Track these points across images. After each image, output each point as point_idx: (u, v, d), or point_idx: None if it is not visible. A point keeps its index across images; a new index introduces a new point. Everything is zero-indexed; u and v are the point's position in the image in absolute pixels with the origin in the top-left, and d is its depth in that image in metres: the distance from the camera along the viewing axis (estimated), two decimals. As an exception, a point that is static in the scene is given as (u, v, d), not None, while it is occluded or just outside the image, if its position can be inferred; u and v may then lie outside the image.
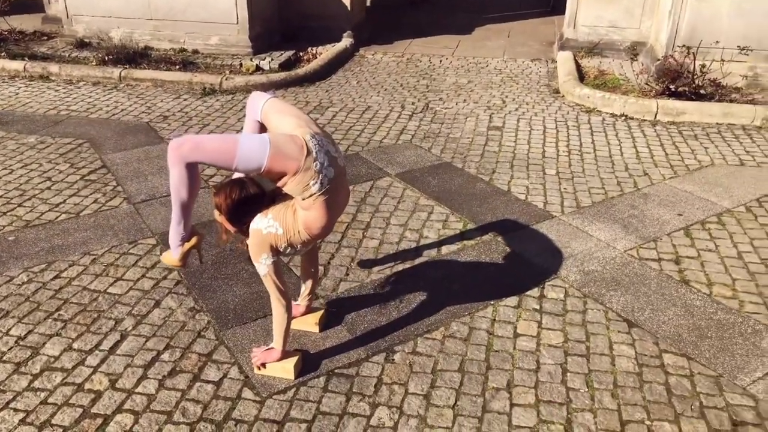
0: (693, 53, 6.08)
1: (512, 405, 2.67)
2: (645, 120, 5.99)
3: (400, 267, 3.64)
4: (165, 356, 2.95)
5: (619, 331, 3.11)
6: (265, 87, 6.85)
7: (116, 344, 3.02)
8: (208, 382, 2.80)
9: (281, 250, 2.59)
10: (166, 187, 4.57)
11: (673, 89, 6.21)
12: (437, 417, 2.61)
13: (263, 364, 2.81)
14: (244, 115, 5.87)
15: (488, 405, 2.67)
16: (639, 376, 2.83)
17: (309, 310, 3.12)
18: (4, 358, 2.92)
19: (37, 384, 2.77)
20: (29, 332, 3.09)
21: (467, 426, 2.56)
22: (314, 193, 2.46)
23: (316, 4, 8.57)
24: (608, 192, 4.56)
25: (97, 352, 2.97)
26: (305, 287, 3.07)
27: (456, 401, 2.69)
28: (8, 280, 3.50)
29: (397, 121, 5.96)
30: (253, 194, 2.63)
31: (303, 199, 2.49)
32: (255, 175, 2.52)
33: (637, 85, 6.69)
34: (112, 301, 3.33)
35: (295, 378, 2.81)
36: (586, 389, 2.75)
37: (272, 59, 7.60)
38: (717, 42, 6.34)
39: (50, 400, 2.68)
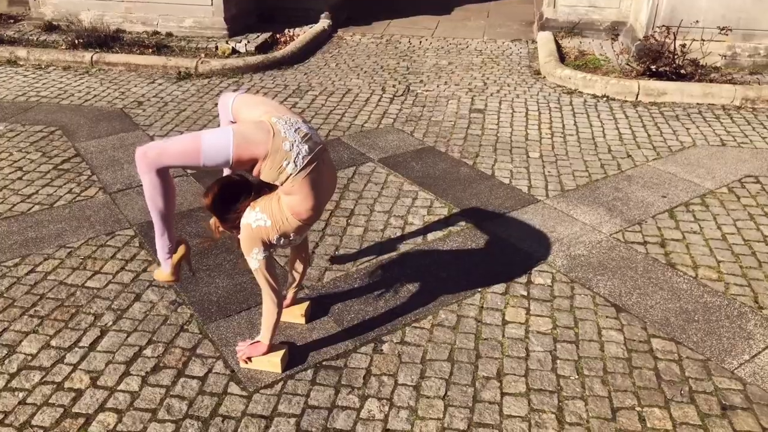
0: (674, 33, 6.06)
1: (503, 394, 2.65)
2: (626, 101, 5.98)
3: (386, 255, 3.58)
4: (147, 352, 2.87)
5: (607, 317, 3.10)
6: (241, 70, 6.71)
7: (96, 340, 2.93)
8: (192, 377, 2.73)
9: (274, 242, 2.51)
10: (143, 176, 4.46)
11: (654, 69, 6.20)
12: (428, 408, 2.58)
13: (249, 358, 2.74)
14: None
15: (479, 395, 2.64)
16: (628, 362, 2.82)
17: (294, 301, 3.06)
18: (-21, 357, 2.83)
19: (14, 384, 2.68)
20: (4, 330, 2.99)
21: (458, 416, 2.54)
22: (291, 174, 2.39)
23: (292, -16, 8.40)
24: (592, 175, 4.54)
25: (76, 349, 2.88)
26: (292, 278, 3.01)
27: (446, 392, 2.66)
28: (-19, 276, 3.39)
29: (378, 104, 5.87)
30: (236, 182, 2.57)
31: (282, 184, 2.43)
32: (230, 168, 2.46)
33: (618, 65, 6.67)
34: (90, 296, 3.24)
35: (282, 371, 2.75)
36: (577, 376, 2.74)
37: (248, 42, 7.44)
38: (696, 22, 6.34)
39: (29, 400, 2.60)
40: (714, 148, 4.98)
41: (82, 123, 5.38)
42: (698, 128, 5.35)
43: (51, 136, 5.11)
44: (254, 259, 2.52)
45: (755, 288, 3.32)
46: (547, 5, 8.07)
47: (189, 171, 4.48)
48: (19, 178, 4.43)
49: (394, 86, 6.36)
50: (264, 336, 2.69)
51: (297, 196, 2.44)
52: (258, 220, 2.48)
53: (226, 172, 2.76)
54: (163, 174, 2.43)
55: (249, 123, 2.47)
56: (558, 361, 2.83)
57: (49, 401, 2.59)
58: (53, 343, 2.92)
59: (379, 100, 5.96)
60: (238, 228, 2.57)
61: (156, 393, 2.64)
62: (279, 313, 2.64)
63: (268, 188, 2.56)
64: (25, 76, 6.57)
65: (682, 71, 6.24)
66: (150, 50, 7.13)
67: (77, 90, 6.18)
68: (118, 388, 2.67)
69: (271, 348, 2.74)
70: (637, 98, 5.98)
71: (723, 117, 5.60)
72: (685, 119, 5.55)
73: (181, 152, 2.37)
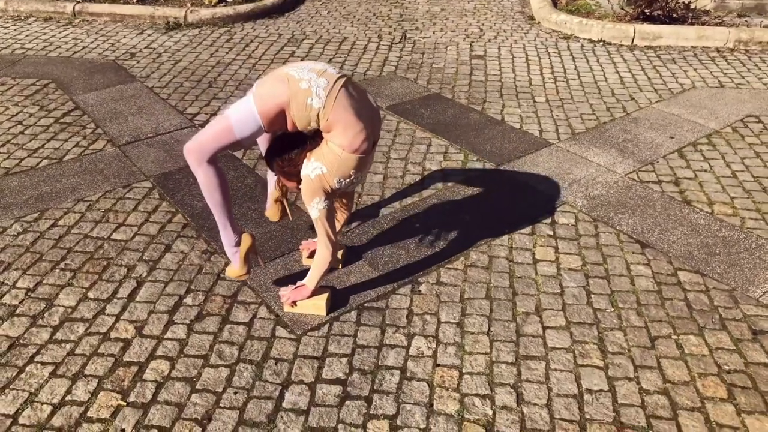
0: (669, -24, 6.08)
1: (544, 328, 2.73)
2: (623, 45, 6.02)
3: (408, 201, 3.61)
4: (188, 300, 2.88)
5: (633, 252, 3.19)
6: (232, 19, 6.54)
7: (134, 291, 2.93)
8: (238, 323, 2.75)
9: (336, 186, 2.52)
10: (149, 128, 4.38)
11: (648, 13, 6.23)
12: (474, 343, 2.65)
13: (294, 302, 2.77)
14: (216, 51, 5.63)
15: (521, 329, 2.73)
16: (659, 294, 2.93)
17: (331, 245, 3.08)
18: (18, 311, 2.80)
19: (59, 335, 2.67)
20: (38, 284, 2.96)
21: (504, 350, 2.62)
22: (318, 108, 2.40)
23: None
24: (599, 117, 4.60)
25: (115, 300, 2.87)
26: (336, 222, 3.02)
27: (489, 327, 2.73)
28: (1, 231, 3.32)
29: (377, 51, 5.80)
30: (289, 133, 2.57)
31: (318, 124, 2.44)
32: (265, 130, 2.46)
33: (611, 10, 6.67)
34: (119, 248, 3.21)
35: (327, 314, 2.79)
36: (612, 309, 2.84)
37: (234, -10, 7.22)
38: (690, -37, 6.35)
39: (77, 351, 2.60)
40: (713, 89, 5.07)
41: (75, 75, 5.22)
42: (695, 71, 5.43)
43: (45, 89, 4.95)
44: (315, 209, 2.53)
45: (769, 222, 3.45)
46: (535, -51, 7.97)
47: (197, 122, 4.41)
48: (21, 133, 4.31)
49: (390, 33, 6.28)
50: (311, 280, 2.71)
51: (338, 128, 2.43)
52: (315, 169, 2.48)
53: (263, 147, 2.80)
54: (215, 164, 2.51)
55: (260, 83, 2.49)
56: (592, 296, 2.92)
57: (98, 351, 2.60)
58: (90, 295, 2.90)
59: (378, 48, 5.89)
60: (299, 180, 2.57)
61: (204, 340, 2.67)
62: (332, 263, 2.67)
63: (320, 138, 2.55)
64: (5, 28, 6.31)
65: (674, 15, 6.29)
66: (134, 0, 6.89)
67: (63, 42, 5.96)
68: (165, 336, 2.68)
69: (315, 292, 2.77)
70: (632, 42, 6.02)
71: (718, 59, 5.68)
72: (681, 62, 5.62)
73: (216, 133, 2.44)
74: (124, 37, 6.12)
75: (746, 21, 6.51)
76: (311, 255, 3.08)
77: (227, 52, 5.78)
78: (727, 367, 2.54)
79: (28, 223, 3.39)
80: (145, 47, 5.87)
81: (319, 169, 2.47)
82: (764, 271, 3.06)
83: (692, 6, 6.28)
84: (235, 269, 2.78)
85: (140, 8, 6.58)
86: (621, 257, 3.16)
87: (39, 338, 2.66)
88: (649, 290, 2.95)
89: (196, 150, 2.46)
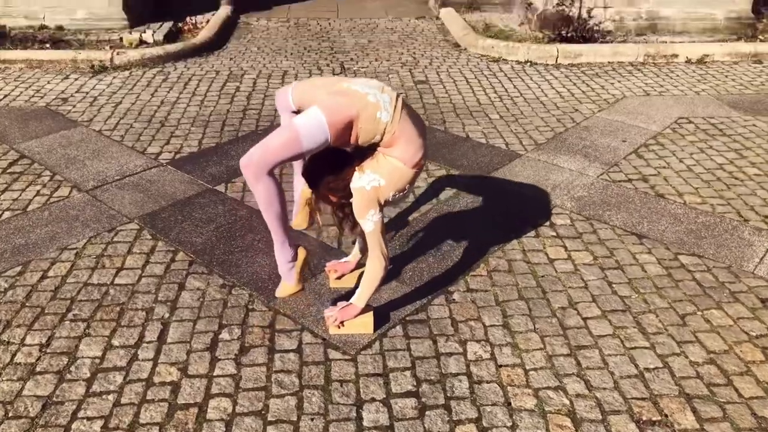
0: (579, 1, 6.63)
1: (584, 319, 2.85)
2: (548, 64, 6.45)
3: (410, 217, 3.65)
4: (224, 335, 2.74)
5: (633, 243, 3.41)
6: (162, 59, 6.35)
7: (162, 333, 2.74)
8: (287, 351, 2.65)
9: (390, 199, 2.52)
10: (113, 171, 4.14)
11: (564, 35, 6.73)
12: (526, 341, 2.72)
13: (342, 323, 2.72)
14: (156, 90, 5.44)
15: (563, 323, 2.83)
16: (671, 277, 3.14)
17: (358, 265, 3.05)
18: (38, 368, 2.54)
19: (97, 388, 2.45)
20: (50, 338, 2.70)
21: (557, 344, 2.70)
22: (387, 122, 2.45)
23: (187, -30, 8.03)
24: (554, 129, 4.89)
25: (144, 345, 2.68)
26: (362, 243, 2.99)
27: (534, 325, 2.82)
28: (-16, 289, 3.00)
29: (323, 82, 5.84)
30: (336, 150, 2.55)
31: (381, 137, 2.46)
32: (329, 143, 2.45)
33: (528, 34, 7.14)
34: (127, 292, 3.00)
35: (374, 331, 2.76)
36: (636, 295, 3.02)
37: (154, 32, 7.02)
38: (593, -11, 6.96)
39: (123, 400, 2.39)
40: (641, 98, 5.55)
41: (7, 125, 4.84)
42: (620, 82, 5.92)
43: (-21, 141, 4.55)
44: (370, 221, 2.50)
45: (734, 205, 3.80)
46: (445, -18, 8.40)
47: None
48: (-31, 187, 3.93)
49: (328, 65, 6.35)
50: (360, 299, 2.67)
51: (401, 144, 2.47)
52: (372, 181, 2.47)
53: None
54: (274, 177, 2.46)
55: (325, 97, 2.47)
56: (614, 285, 3.08)
57: (147, 398, 2.41)
58: (115, 342, 2.69)
59: (321, 79, 5.93)
60: (347, 196, 2.54)
61: (258, 372, 2.54)
62: (383, 277, 2.63)
63: (370, 151, 2.55)
64: None
65: (586, 35, 6.84)
66: (47, 45, 6.51)
67: (-19, 91, 5.51)
68: (215, 374, 2.53)
69: (362, 310, 2.73)
70: (557, 61, 6.47)
71: (634, 72, 6.23)
72: (605, 76, 6.11)
73: (283, 144, 2.40)
74: (48, 82, 5.75)
75: (644, 39, 7.19)
76: (340, 277, 3.04)
77: (168, 91, 5.59)
78: (753, 333, 2.77)
79: (13, 278, 3.09)
80: (76, 91, 5.55)
81: (376, 181, 2.47)
82: (748, 247, 3.38)
83: (597, 28, 6.86)
84: (290, 285, 2.72)
85: (60, 53, 6.23)
86: (624, 249, 3.37)
87: (74, 393, 2.42)
88: (660, 275, 3.16)
89: (259, 162, 2.38)
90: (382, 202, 2.53)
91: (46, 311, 2.87)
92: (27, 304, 2.91)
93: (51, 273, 3.13)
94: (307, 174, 2.59)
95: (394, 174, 2.49)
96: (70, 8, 7.13)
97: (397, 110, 2.46)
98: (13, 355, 2.60)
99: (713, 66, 6.43)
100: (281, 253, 2.65)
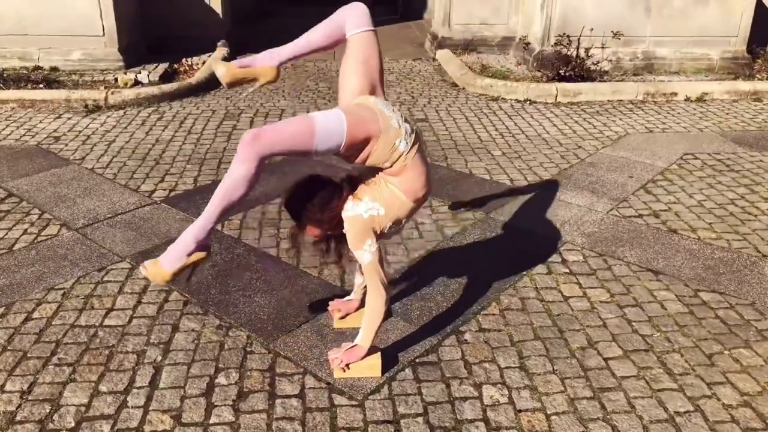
0: (578, 40, 6.63)
1: (605, 359, 2.68)
2: (548, 102, 6.40)
3: (415, 255, 3.49)
4: (221, 380, 2.54)
5: (649, 280, 3.26)
6: (157, 98, 6.27)
7: (154, 378, 2.54)
8: (288, 396, 2.46)
9: (386, 231, 2.37)
10: (105, 209, 3.98)
11: (562, 74, 6.71)
12: (545, 384, 2.53)
13: (347, 366, 2.53)
14: (150, 129, 5.31)
15: (584, 363, 2.65)
16: (693, 315, 2.98)
17: (364, 303, 2.88)
18: (18, 417, 2.33)
19: (81, 439, 2.24)
20: (32, 384, 2.50)
21: (578, 386, 2.52)
22: (403, 152, 2.31)
23: (183, 11, 8.03)
24: (558, 165, 4.78)
25: (134, 390, 2.47)
26: (362, 278, 2.82)
27: (553, 366, 2.63)
28: (-37, 332, 2.81)
29: (321, 121, 5.75)
30: (323, 177, 2.41)
31: (391, 165, 2.33)
32: (339, 154, 2.30)
33: (526, 74, 7.13)
34: (117, 334, 2.81)
35: (382, 374, 2.57)
36: (658, 333, 2.85)
37: (149, 72, 6.96)
38: (591, 30, 6.97)
39: (110, 453, 2.18)
40: (644, 134, 5.47)
41: (-3, 163, 4.70)
42: (621, 120, 5.86)
43: (-34, 179, 4.40)
44: (367, 252, 2.35)
45: (750, 241, 3.67)
46: (441, 25, 8.43)
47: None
48: (-47, 225, 3.76)
49: (326, 104, 6.28)
50: (365, 339, 2.49)
51: (410, 175, 2.34)
52: (370, 209, 2.33)
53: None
54: (263, 165, 2.21)
55: (351, 105, 2.35)
56: (633, 324, 2.92)
57: (136, 449, 2.20)
58: (103, 388, 2.48)
59: (319, 118, 5.84)
60: (336, 227, 2.39)
61: (258, 419, 2.34)
62: (384, 312, 2.47)
63: (366, 178, 2.42)
64: None
65: (584, 75, 6.82)
66: (40, 85, 6.42)
67: (-29, 130, 5.39)
68: (211, 422, 2.33)
69: (369, 351, 2.55)
70: (556, 99, 6.43)
71: (635, 110, 6.19)
72: (605, 113, 6.06)
73: (295, 134, 2.19)
74: (40, 122, 5.63)
75: (641, 78, 7.19)
76: (344, 317, 2.86)
77: (163, 130, 5.48)
78: (787, 374, 2.60)
79: (-5, 320, 2.89)
80: (69, 130, 5.43)
81: (375, 210, 2.33)
82: (770, 283, 3.23)
83: (594, 67, 6.85)
84: (163, 271, 2.32)
85: (53, 92, 6.13)
86: (641, 285, 3.21)
87: (56, 445, 2.21)
88: (682, 312, 3.00)
89: (266, 143, 2.13)
90: (378, 232, 2.37)
91: (28, 355, 2.67)
92: (9, 348, 2.71)
93: (36, 314, 2.94)
94: (289, 205, 2.41)
95: (394, 203, 2.36)
96: (66, 50, 7.07)
97: (415, 142, 2.35)
98: (-9, 403, 2.40)
99: (713, 104, 6.40)
100: (191, 236, 2.33)
